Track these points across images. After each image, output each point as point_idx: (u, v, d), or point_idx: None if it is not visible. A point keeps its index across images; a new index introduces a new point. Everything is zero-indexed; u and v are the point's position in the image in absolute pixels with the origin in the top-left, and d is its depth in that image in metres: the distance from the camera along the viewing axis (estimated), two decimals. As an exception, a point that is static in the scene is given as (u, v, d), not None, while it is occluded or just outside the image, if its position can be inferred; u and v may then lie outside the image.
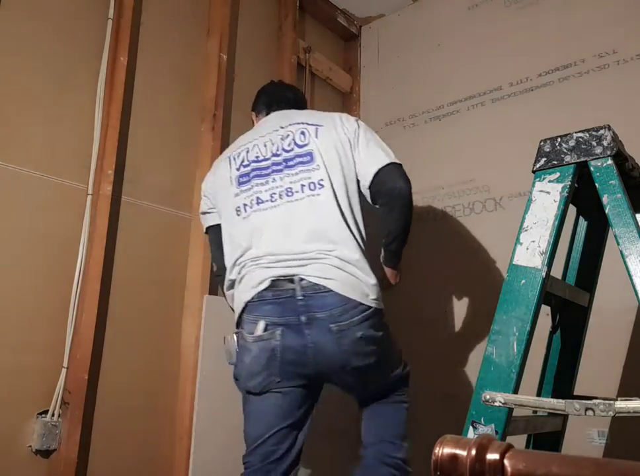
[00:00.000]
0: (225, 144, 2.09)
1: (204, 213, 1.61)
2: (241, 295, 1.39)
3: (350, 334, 1.29)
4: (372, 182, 1.44)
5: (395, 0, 2.74)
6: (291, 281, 1.31)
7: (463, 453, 0.56)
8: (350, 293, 1.30)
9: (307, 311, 1.29)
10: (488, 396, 1.01)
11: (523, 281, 1.07)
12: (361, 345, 1.31)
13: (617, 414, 0.90)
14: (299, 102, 1.70)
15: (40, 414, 1.51)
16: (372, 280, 1.35)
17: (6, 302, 1.49)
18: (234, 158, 1.53)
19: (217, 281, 1.77)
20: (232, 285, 1.45)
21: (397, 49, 2.77)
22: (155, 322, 1.82)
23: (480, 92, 2.40)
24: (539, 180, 1.15)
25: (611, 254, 1.26)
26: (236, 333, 1.40)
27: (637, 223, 1.01)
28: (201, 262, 1.88)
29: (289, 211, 1.39)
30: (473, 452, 0.55)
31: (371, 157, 1.48)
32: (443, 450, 0.58)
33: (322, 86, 2.70)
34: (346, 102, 2.83)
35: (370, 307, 1.32)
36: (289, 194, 1.40)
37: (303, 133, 1.47)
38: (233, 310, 1.46)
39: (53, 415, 1.51)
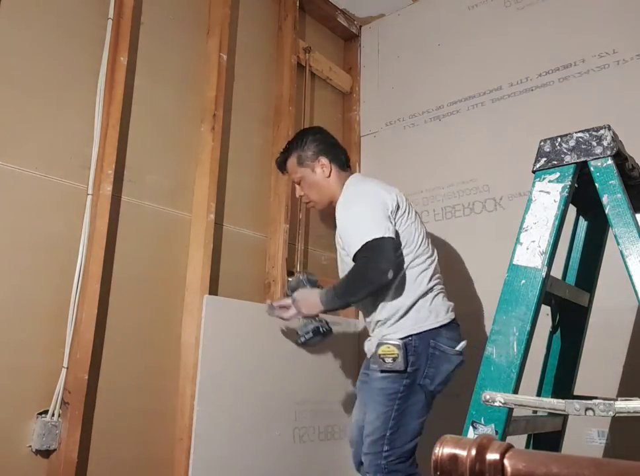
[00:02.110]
0: (225, 144, 2.10)
1: None
2: (442, 310, 1.65)
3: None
4: None
5: (395, 0, 2.74)
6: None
7: (463, 453, 0.56)
8: None
9: None
10: (488, 396, 1.01)
11: (523, 281, 1.07)
12: None
13: (617, 414, 0.90)
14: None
15: (40, 414, 1.51)
16: None
17: (6, 302, 1.48)
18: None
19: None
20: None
21: (397, 49, 2.76)
22: (155, 322, 1.82)
23: (480, 92, 2.39)
24: (539, 180, 1.15)
25: (611, 254, 1.26)
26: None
27: (637, 223, 1.01)
28: (201, 262, 1.88)
29: None
30: (473, 452, 0.55)
31: None
32: (444, 450, 0.58)
33: (322, 86, 2.70)
34: (346, 102, 2.83)
35: None
36: None
37: None
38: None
39: (53, 415, 1.51)
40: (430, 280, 1.67)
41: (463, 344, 1.65)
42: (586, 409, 0.92)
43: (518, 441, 0.98)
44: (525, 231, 1.11)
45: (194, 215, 1.96)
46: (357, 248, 1.56)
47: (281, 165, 1.91)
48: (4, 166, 1.53)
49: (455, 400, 1.70)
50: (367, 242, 1.54)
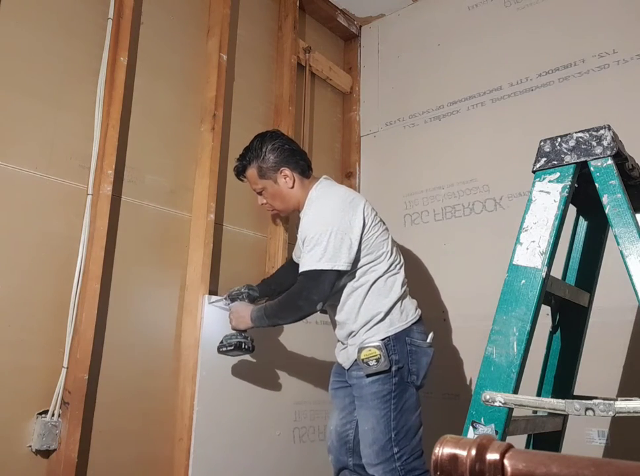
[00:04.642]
0: (225, 144, 2.10)
1: None
2: (411, 310, 1.70)
3: None
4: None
5: (395, 0, 2.74)
6: None
7: (463, 453, 0.56)
8: None
9: None
10: (488, 396, 1.01)
11: (523, 281, 1.07)
12: None
13: (617, 414, 0.90)
14: None
15: (40, 414, 1.51)
16: None
17: (6, 302, 1.48)
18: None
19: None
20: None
21: (397, 49, 2.77)
22: (155, 322, 1.82)
23: (480, 92, 2.40)
24: (539, 180, 1.15)
25: (611, 254, 1.26)
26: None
27: (637, 223, 1.01)
28: (201, 262, 1.88)
29: None
30: (473, 452, 0.55)
31: None
32: (444, 450, 0.58)
33: (322, 86, 2.70)
34: (346, 102, 2.83)
35: None
36: None
37: None
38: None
39: (53, 415, 1.51)
40: (402, 286, 1.71)
41: (431, 335, 1.70)
42: (586, 409, 0.92)
43: (518, 441, 0.98)
44: (525, 231, 1.11)
45: (194, 215, 1.96)
46: (302, 270, 1.61)
47: (240, 174, 1.85)
48: (4, 166, 1.53)
49: (455, 400, 1.71)
50: (310, 270, 1.59)
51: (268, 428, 1.95)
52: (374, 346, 1.59)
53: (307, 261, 1.61)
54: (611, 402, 0.91)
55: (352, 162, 2.71)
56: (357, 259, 1.65)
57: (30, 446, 1.48)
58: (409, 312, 1.69)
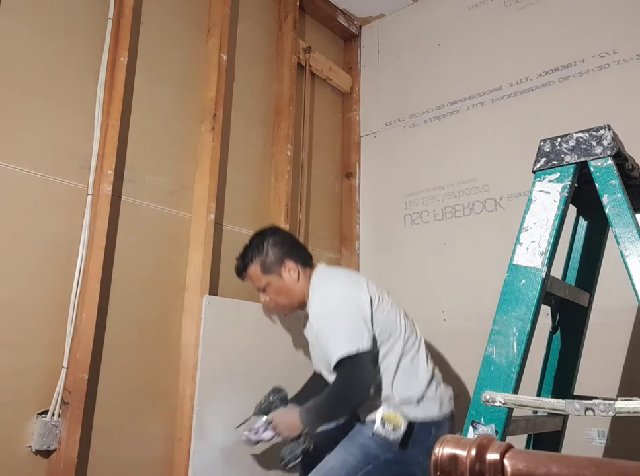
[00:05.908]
0: (225, 144, 2.10)
1: None
2: (445, 398, 1.64)
3: None
4: None
5: (395, 0, 2.74)
6: None
7: (463, 453, 0.56)
8: None
9: None
10: (488, 397, 1.01)
11: (523, 281, 1.07)
12: None
13: (617, 414, 0.90)
14: None
15: (40, 414, 1.51)
16: None
17: (6, 302, 1.48)
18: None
19: None
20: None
21: (397, 49, 2.77)
22: (155, 322, 1.82)
23: (480, 92, 2.39)
24: (539, 180, 1.15)
25: (611, 254, 1.26)
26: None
27: (637, 223, 1.01)
28: (201, 262, 1.88)
29: None
30: (473, 452, 0.55)
31: None
32: (444, 450, 0.58)
33: (322, 86, 2.70)
34: (346, 102, 2.83)
35: None
36: None
37: None
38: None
39: (53, 415, 1.51)
40: (427, 364, 1.64)
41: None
42: (586, 409, 0.92)
43: (518, 441, 0.98)
44: (525, 231, 1.11)
45: (194, 215, 1.96)
46: (334, 362, 1.53)
47: (241, 273, 1.80)
48: (4, 166, 1.53)
49: (455, 400, 1.71)
50: (344, 359, 1.51)
51: (268, 428, 1.95)
52: (403, 415, 1.50)
53: (333, 351, 1.53)
54: (611, 402, 0.91)
55: (352, 162, 2.71)
56: (373, 339, 1.58)
57: (30, 446, 1.48)
58: (444, 401, 1.61)
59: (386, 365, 1.61)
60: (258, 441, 1.69)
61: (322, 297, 1.66)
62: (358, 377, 1.52)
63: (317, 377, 1.84)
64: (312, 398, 1.65)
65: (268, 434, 1.65)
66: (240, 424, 1.76)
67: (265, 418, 1.68)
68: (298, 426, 1.57)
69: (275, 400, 1.75)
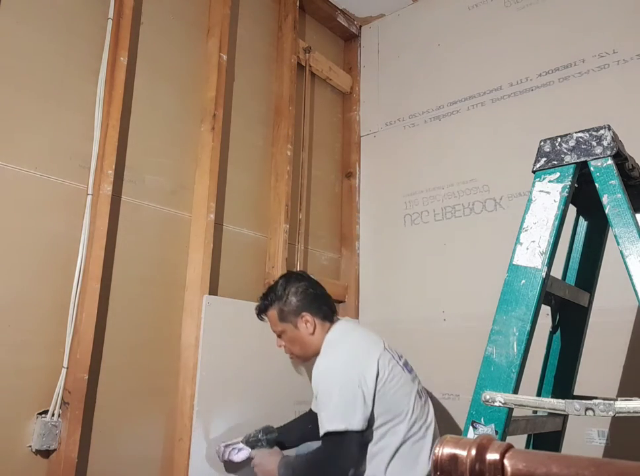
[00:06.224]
0: (225, 144, 2.10)
1: None
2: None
3: None
4: None
5: (395, 0, 2.74)
6: None
7: (463, 453, 0.56)
8: None
9: None
10: (488, 396, 1.01)
11: (523, 281, 1.07)
12: None
13: (617, 414, 0.90)
14: None
15: (40, 414, 1.51)
16: None
17: (6, 302, 1.48)
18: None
19: None
20: None
21: (397, 49, 2.76)
22: (155, 322, 1.81)
23: (480, 92, 2.39)
24: (539, 180, 1.15)
25: (611, 254, 1.26)
26: None
27: (637, 223, 1.01)
28: (201, 262, 1.88)
29: None
30: (473, 452, 0.55)
31: None
32: (444, 450, 0.58)
33: (322, 86, 2.70)
34: (346, 102, 2.83)
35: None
36: None
37: None
38: None
39: (53, 415, 1.51)
40: (429, 455, 1.54)
41: None
42: (586, 409, 0.92)
43: (518, 441, 0.98)
44: (525, 231, 1.11)
45: (194, 215, 1.96)
46: (323, 432, 1.50)
47: (261, 314, 1.79)
48: (4, 166, 1.53)
49: (455, 400, 1.71)
50: (332, 434, 1.47)
51: (268, 428, 1.94)
52: None
53: (323, 421, 1.50)
54: (611, 402, 0.91)
55: (352, 162, 2.71)
56: (372, 417, 1.51)
57: (30, 446, 1.48)
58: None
59: (382, 446, 1.54)
60: (227, 460, 1.77)
61: (328, 362, 1.61)
62: (341, 457, 1.48)
63: (311, 415, 1.82)
64: (298, 438, 1.79)
65: (238, 458, 1.76)
66: (228, 444, 1.78)
67: (250, 451, 1.75)
68: (274, 475, 1.58)
69: (263, 439, 1.76)
